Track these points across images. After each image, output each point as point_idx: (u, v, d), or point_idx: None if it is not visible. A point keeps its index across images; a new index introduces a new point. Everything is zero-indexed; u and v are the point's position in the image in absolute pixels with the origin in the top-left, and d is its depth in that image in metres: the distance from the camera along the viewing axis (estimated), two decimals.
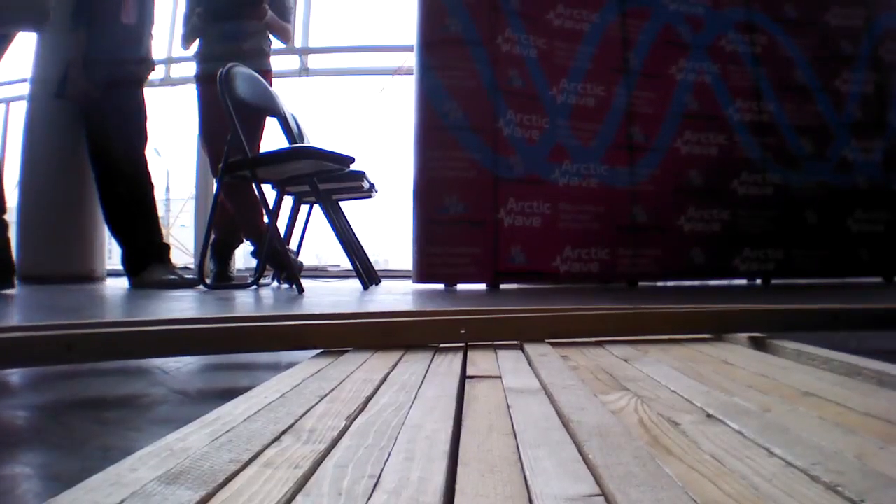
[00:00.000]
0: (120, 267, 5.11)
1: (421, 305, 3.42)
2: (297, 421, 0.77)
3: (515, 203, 5.15)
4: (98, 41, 4.89)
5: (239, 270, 5.92)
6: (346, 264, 6.13)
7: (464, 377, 1.07)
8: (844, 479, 0.57)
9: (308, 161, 4.39)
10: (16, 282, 4.39)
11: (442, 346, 1.40)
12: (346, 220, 5.52)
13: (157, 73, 6.35)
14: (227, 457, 0.63)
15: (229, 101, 4.40)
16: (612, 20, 5.68)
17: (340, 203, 5.61)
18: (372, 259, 6.03)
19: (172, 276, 4.82)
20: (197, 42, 5.30)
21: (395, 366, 1.18)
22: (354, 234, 5.52)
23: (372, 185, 5.66)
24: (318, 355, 1.32)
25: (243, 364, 1.50)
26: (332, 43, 8.21)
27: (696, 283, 5.84)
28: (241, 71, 4.62)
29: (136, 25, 5.11)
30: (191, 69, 5.63)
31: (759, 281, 5.98)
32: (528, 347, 1.36)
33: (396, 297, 4.17)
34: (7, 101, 8.41)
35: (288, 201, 5.39)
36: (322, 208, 4.98)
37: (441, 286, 5.13)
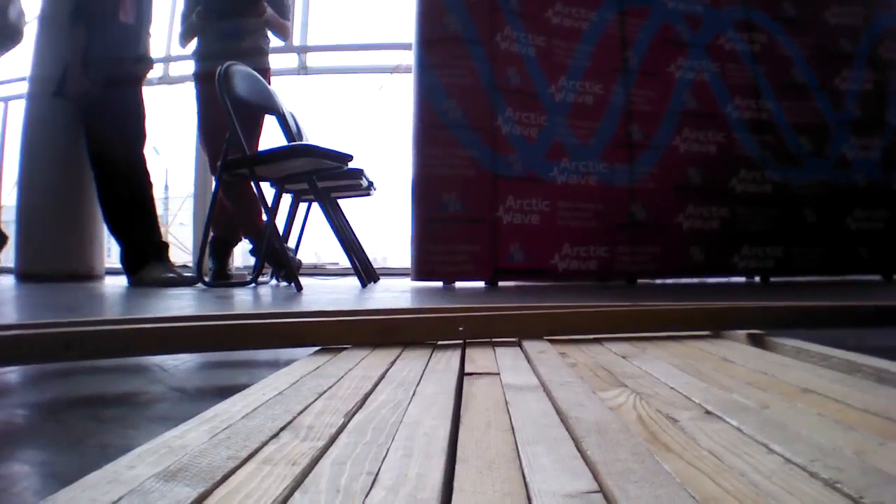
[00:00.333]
0: (119, 265, 5.11)
1: (419, 303, 3.42)
2: (295, 418, 0.77)
3: (514, 201, 5.16)
4: (97, 40, 4.90)
5: (237, 268, 5.93)
6: (344, 262, 6.13)
7: (462, 374, 1.07)
8: (843, 476, 0.57)
9: (306, 159, 4.39)
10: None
11: (440, 343, 1.39)
12: (345, 218, 5.53)
13: (155, 72, 6.35)
14: (225, 454, 0.62)
15: (228, 99, 4.40)
16: (610, 18, 5.70)
17: (339, 201, 5.61)
18: (370, 257, 6.03)
19: (171, 275, 4.82)
20: (195, 40, 5.29)
21: (393, 363, 1.17)
22: (353, 232, 5.53)
23: (370, 183, 5.66)
24: (316, 352, 1.32)
25: (242, 361, 1.49)
26: (331, 41, 8.16)
27: (695, 280, 5.84)
28: (240, 69, 4.62)
29: (134, 24, 5.12)
30: (189, 67, 5.64)
31: (757, 278, 5.99)
32: (527, 344, 1.36)
33: (395, 294, 4.17)
34: (6, 100, 8.41)
35: (286, 199, 5.38)
36: (321, 206, 4.97)
37: (440, 284, 5.13)
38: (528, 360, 1.19)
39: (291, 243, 5.59)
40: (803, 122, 6.06)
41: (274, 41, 5.51)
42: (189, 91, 5.46)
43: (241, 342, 1.38)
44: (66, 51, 4.98)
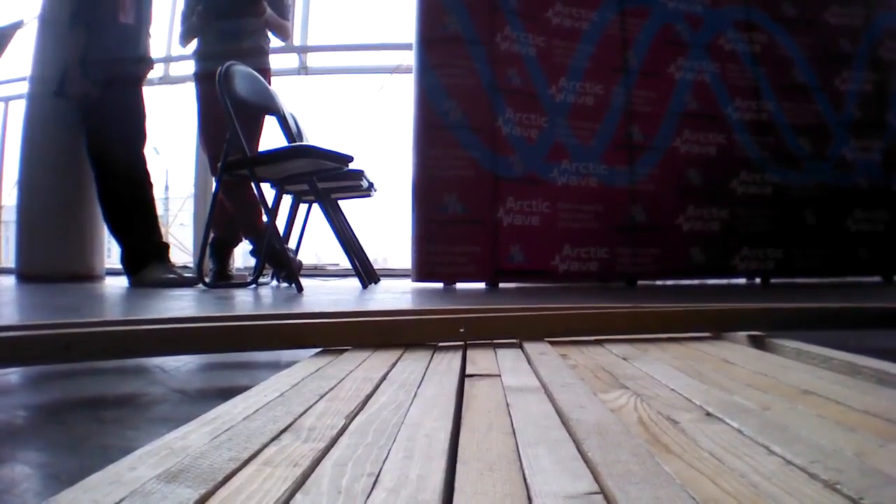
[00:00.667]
0: (119, 266, 5.11)
1: (420, 304, 3.42)
2: (296, 419, 0.77)
3: (514, 202, 5.16)
4: (97, 40, 4.90)
5: (238, 269, 5.93)
6: (345, 263, 6.12)
7: (463, 376, 1.07)
8: (843, 477, 0.57)
9: (307, 160, 4.39)
10: None
11: (441, 344, 1.40)
12: (345, 219, 5.53)
13: (155, 72, 6.35)
14: (226, 455, 0.63)
15: (228, 99, 4.40)
16: (610, 18, 5.70)
17: (339, 202, 5.61)
18: (371, 258, 6.03)
19: (171, 275, 4.82)
20: (195, 40, 5.30)
21: (394, 364, 1.18)
22: (353, 233, 5.53)
23: (371, 184, 5.66)
24: (317, 354, 1.32)
25: (243, 363, 1.50)
26: (331, 41, 8.15)
27: (696, 281, 5.84)
28: (240, 69, 4.62)
29: (134, 25, 5.13)
30: (190, 67, 5.64)
31: (758, 280, 5.99)
32: (528, 346, 1.36)
33: (395, 295, 4.17)
34: (6, 100, 8.42)
35: (287, 200, 5.38)
36: (321, 207, 4.98)
37: (440, 285, 5.13)
38: (529, 362, 1.20)
39: (292, 244, 5.59)
40: (804, 123, 6.06)
41: (274, 41, 5.51)
42: (189, 91, 5.47)
43: (242, 344, 1.38)
44: (66, 51, 4.99)
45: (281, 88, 5.61)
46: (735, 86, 5.97)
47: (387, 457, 0.63)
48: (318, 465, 0.62)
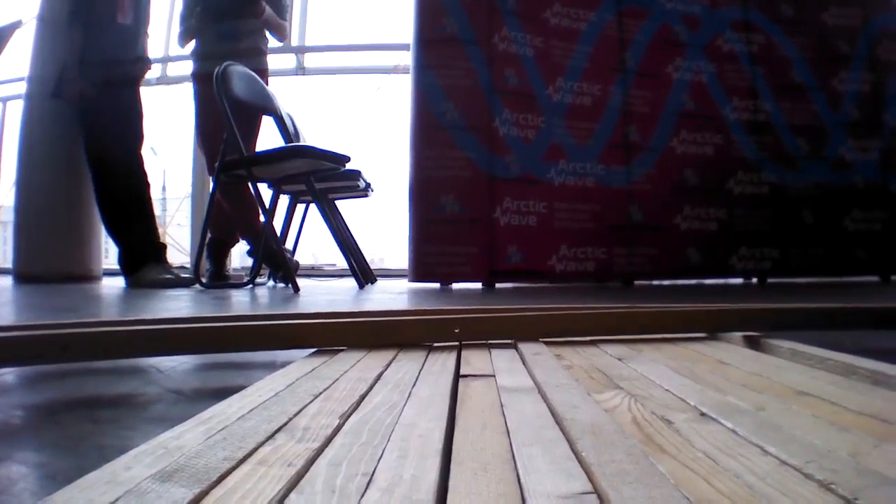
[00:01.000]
0: (116, 266, 5.11)
1: (416, 304, 3.42)
2: (291, 419, 0.77)
3: (511, 202, 5.17)
4: (94, 41, 4.90)
5: (235, 269, 5.93)
6: (342, 263, 6.12)
7: (458, 376, 1.07)
8: (838, 478, 0.57)
9: (304, 160, 4.39)
10: None
11: (436, 345, 1.40)
12: (342, 219, 5.53)
13: (153, 72, 6.35)
14: (221, 455, 0.63)
15: (225, 99, 4.40)
16: (608, 19, 5.71)
17: (336, 202, 5.61)
18: (368, 258, 6.03)
19: (169, 276, 4.82)
20: (194, 41, 5.30)
21: (389, 365, 1.18)
22: (350, 233, 5.53)
23: (368, 185, 5.67)
24: (312, 354, 1.32)
25: (238, 363, 1.50)
26: (329, 41, 8.18)
27: (693, 281, 5.85)
28: (238, 70, 4.62)
29: (132, 25, 5.13)
30: (187, 68, 5.66)
31: (755, 280, 6.00)
32: (522, 346, 1.36)
33: (391, 295, 4.16)
34: (4, 100, 8.42)
35: (284, 200, 5.38)
36: (318, 207, 4.98)
37: (437, 285, 5.12)
38: (524, 362, 1.20)
39: (289, 244, 5.59)
40: (801, 123, 6.07)
41: (271, 41, 5.51)
42: (187, 91, 5.47)
43: (237, 344, 1.38)
44: (64, 51, 4.99)
45: (278, 89, 5.62)
46: (732, 86, 5.99)
47: (381, 456, 0.64)
48: (312, 464, 0.62)
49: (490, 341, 1.43)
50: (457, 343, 1.40)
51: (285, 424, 0.75)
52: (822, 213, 6.01)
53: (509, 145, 5.20)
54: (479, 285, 5.13)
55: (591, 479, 0.58)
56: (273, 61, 5.66)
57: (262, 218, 4.77)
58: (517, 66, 5.33)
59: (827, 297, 3.79)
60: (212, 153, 4.89)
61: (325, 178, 4.95)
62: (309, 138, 5.76)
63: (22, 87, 5.98)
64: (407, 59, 5.67)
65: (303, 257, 6.54)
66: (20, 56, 5.98)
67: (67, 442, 0.90)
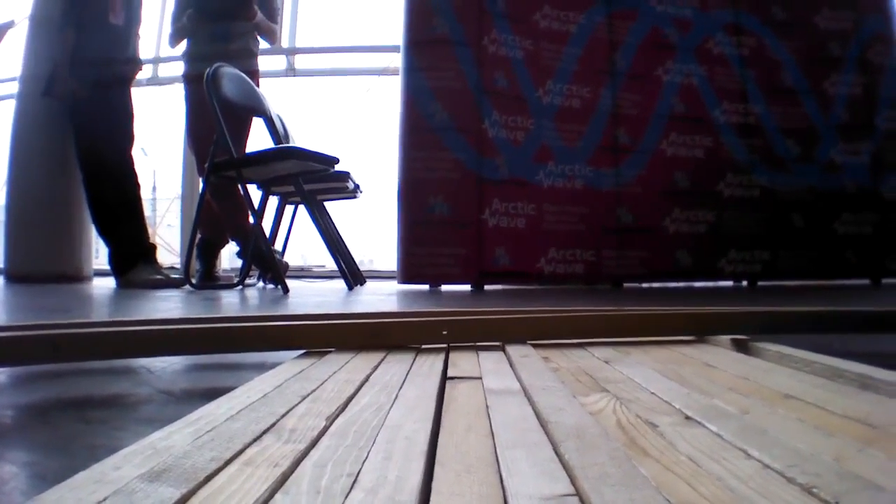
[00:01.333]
0: (106, 266, 5.11)
1: (405, 306, 3.43)
2: (278, 420, 0.77)
3: (500, 204, 5.17)
4: (86, 41, 4.91)
5: (224, 270, 5.93)
6: (331, 265, 6.12)
7: (444, 378, 1.08)
8: (821, 482, 0.58)
9: (293, 161, 4.39)
10: None
11: (424, 347, 1.40)
12: (331, 221, 5.53)
13: (144, 73, 6.36)
14: (208, 455, 0.63)
15: (216, 101, 4.41)
16: (598, 21, 5.71)
17: (325, 203, 5.61)
18: (357, 259, 6.04)
19: (159, 276, 4.83)
20: (185, 41, 5.31)
21: (377, 367, 1.18)
22: (339, 235, 5.53)
23: (357, 186, 5.68)
24: (301, 356, 1.33)
25: (228, 364, 1.50)
26: (319, 43, 8.19)
27: (682, 284, 5.86)
28: (228, 71, 4.63)
29: (123, 25, 5.13)
30: (178, 69, 5.66)
31: (745, 283, 6.00)
32: (510, 349, 1.37)
33: (380, 297, 4.17)
34: None
35: (273, 202, 5.38)
36: (307, 209, 4.98)
37: (426, 287, 5.13)
38: (511, 365, 1.20)
39: (278, 246, 5.59)
40: (792, 126, 6.09)
41: (262, 43, 5.51)
42: (178, 92, 5.49)
43: (227, 345, 1.38)
44: (55, 51, 5.00)
45: (269, 90, 5.62)
46: (723, 89, 5.99)
47: (366, 458, 0.64)
48: (298, 465, 0.62)
49: (478, 344, 1.43)
50: (445, 345, 1.41)
51: (273, 425, 0.75)
52: (812, 216, 6.02)
53: (498, 147, 5.21)
54: (467, 287, 5.13)
55: (573, 482, 0.58)
56: (263, 62, 5.67)
57: (251, 219, 4.78)
58: (507, 68, 5.34)
59: (816, 300, 3.80)
60: (202, 154, 4.90)
61: (314, 179, 4.95)
62: (298, 140, 5.77)
63: (14, 88, 5.97)
64: (396, 61, 5.66)
65: (292, 258, 6.55)
66: (12, 56, 5.98)
67: (58, 442, 0.91)
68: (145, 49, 6.01)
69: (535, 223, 5.31)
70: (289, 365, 1.20)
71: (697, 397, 0.93)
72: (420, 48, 5.23)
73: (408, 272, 5.12)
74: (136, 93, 5.37)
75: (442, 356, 1.29)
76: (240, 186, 4.50)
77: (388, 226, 5.47)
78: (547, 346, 1.42)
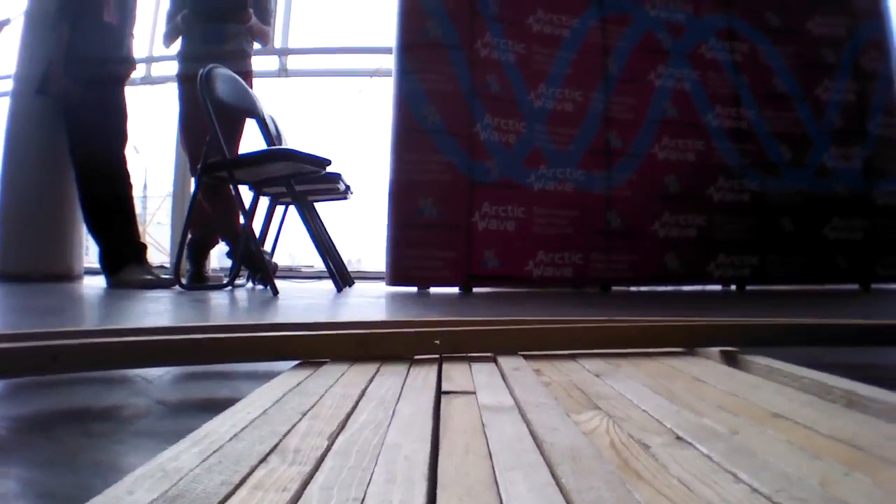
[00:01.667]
0: (97, 265, 5.12)
1: (395, 311, 3.45)
2: (281, 440, 0.79)
3: (490, 207, 5.21)
4: (80, 40, 4.92)
5: (214, 270, 5.93)
6: (320, 265, 6.13)
7: (439, 392, 1.09)
8: None
9: (285, 163, 4.41)
10: None
11: (417, 357, 1.42)
12: (321, 222, 5.55)
13: (138, 72, 6.36)
14: (218, 479, 0.64)
15: (209, 102, 4.42)
16: (591, 26, 5.75)
17: (316, 204, 5.63)
18: (345, 259, 6.05)
19: (149, 276, 4.84)
20: (179, 41, 5.33)
21: (371, 379, 1.19)
22: (329, 236, 5.55)
23: (348, 187, 5.69)
24: (296, 367, 1.34)
25: (222, 373, 1.51)
26: (312, 44, 8.19)
27: (670, 288, 5.88)
28: (222, 72, 4.64)
29: (117, 25, 5.14)
30: (172, 68, 5.69)
31: (734, 287, 6.02)
32: (502, 360, 1.38)
33: (370, 300, 4.17)
34: None
35: (263, 202, 5.38)
36: (297, 209, 4.99)
37: (414, 289, 5.14)
38: (504, 378, 1.21)
39: (268, 246, 5.61)
40: (784, 131, 6.13)
41: (255, 44, 5.53)
42: (171, 91, 5.51)
43: (223, 356, 1.40)
44: (49, 50, 5.01)
45: (261, 90, 5.63)
46: (715, 94, 6.04)
47: (370, 480, 0.65)
48: (305, 488, 0.63)
49: (470, 354, 1.45)
50: (437, 356, 1.42)
51: (277, 445, 0.76)
52: (802, 220, 6.07)
53: (490, 150, 5.24)
54: (455, 290, 5.15)
55: None
56: (256, 63, 5.68)
57: (242, 219, 4.79)
58: (499, 71, 5.37)
59: (805, 308, 3.82)
60: (194, 154, 4.94)
61: (305, 180, 4.96)
62: (291, 140, 5.78)
63: (8, 85, 5.97)
64: (389, 62, 5.68)
65: (281, 258, 6.56)
66: (7, 54, 5.98)
67: (62, 458, 0.92)
68: (139, 48, 6.02)
69: (525, 226, 5.35)
70: (285, 377, 1.21)
71: (688, 416, 0.94)
72: (413, 51, 5.26)
73: (396, 274, 5.14)
74: (129, 92, 5.38)
75: (435, 367, 1.31)
76: (231, 187, 4.51)
77: (376, 225, 5.50)
78: (538, 358, 1.44)
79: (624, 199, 5.65)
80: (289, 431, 0.83)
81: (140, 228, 5.57)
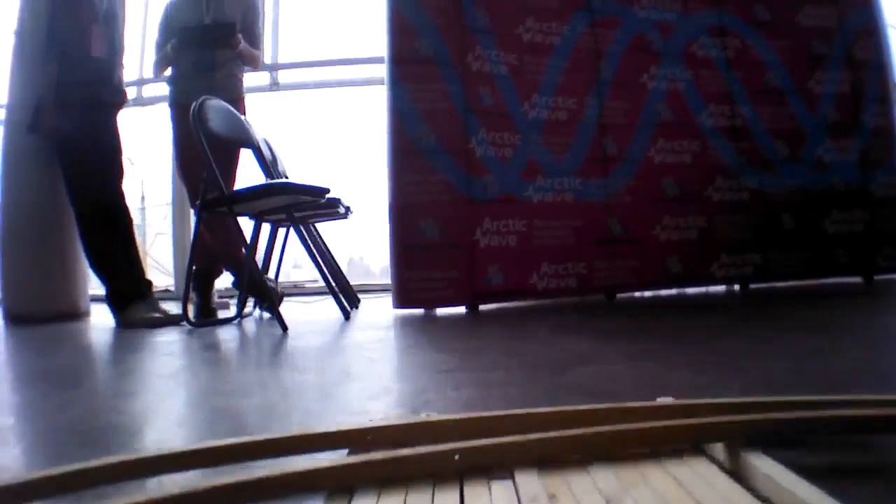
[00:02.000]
0: (102, 291, 5.11)
1: (404, 347, 3.47)
2: None
3: (491, 223, 5.22)
4: (69, 75, 4.91)
5: (219, 292, 5.90)
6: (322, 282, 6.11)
7: None
8: None
9: (283, 196, 4.43)
10: None
11: (438, 479, 1.45)
12: (324, 243, 5.58)
13: (129, 94, 6.37)
14: None
15: (203, 136, 4.41)
16: (582, 31, 5.76)
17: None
18: (350, 257, 6.08)
19: (157, 314, 4.84)
20: (170, 68, 5.35)
21: None
22: (332, 257, 5.58)
23: (347, 208, 5.71)
24: (327, 500, 1.36)
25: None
26: (302, 56, 8.21)
27: (674, 292, 5.92)
28: (214, 104, 4.63)
29: (106, 58, 5.13)
30: (162, 89, 5.70)
31: (737, 287, 6.06)
32: (519, 479, 1.41)
33: (379, 336, 4.12)
34: None
35: (265, 225, 5.40)
36: (299, 236, 5.01)
37: (421, 310, 5.15)
38: None
39: (272, 270, 5.63)
40: (779, 126, 6.17)
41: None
42: (163, 111, 5.50)
43: (256, 497, 1.42)
44: (39, 86, 5.00)
45: (253, 105, 5.65)
46: (708, 92, 6.06)
47: None
48: None
49: (490, 471, 1.48)
50: (457, 474, 1.45)
51: None
52: (802, 216, 6.12)
53: (486, 165, 5.25)
54: (462, 309, 5.16)
55: None
56: (247, 78, 5.67)
57: (244, 248, 4.82)
58: (492, 84, 5.38)
59: (811, 310, 3.83)
60: (191, 185, 5.00)
61: (305, 207, 4.99)
62: (286, 160, 5.81)
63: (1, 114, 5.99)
64: (380, 71, 5.67)
65: (284, 272, 6.57)
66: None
67: None
68: (129, 71, 6.02)
69: (527, 239, 5.37)
70: None
71: None
72: (404, 69, 5.23)
73: (402, 297, 5.14)
74: (122, 114, 5.37)
75: (457, 491, 1.34)
76: (232, 220, 4.52)
77: (378, 220, 5.50)
78: (552, 471, 1.47)
79: (623, 206, 5.68)
80: None
81: (142, 249, 5.58)
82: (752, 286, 6.03)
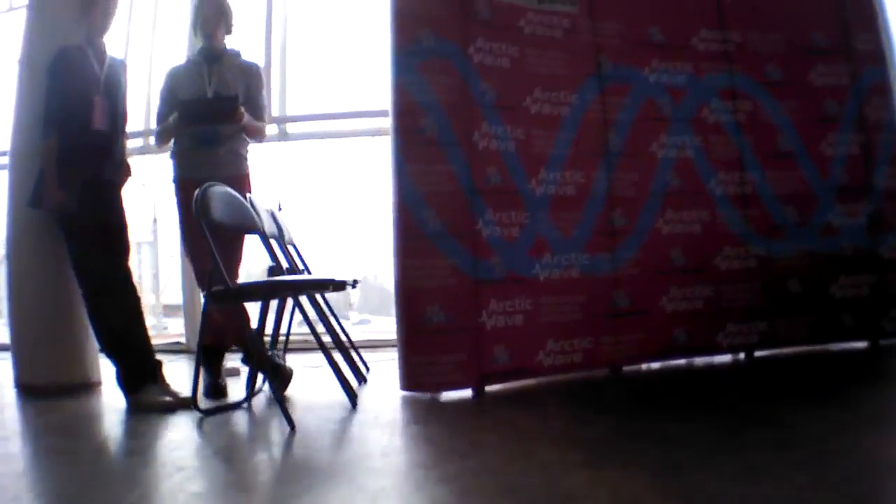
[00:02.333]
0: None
1: (413, 445, 3.47)
2: None
3: (497, 304, 5.19)
4: (70, 150, 4.91)
5: (230, 360, 5.88)
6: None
7: None
8: None
9: (289, 291, 4.44)
10: None
11: None
12: (333, 314, 5.60)
13: (135, 142, 6.38)
14: None
15: (206, 225, 4.39)
16: (591, 99, 5.72)
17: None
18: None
19: (167, 398, 4.82)
20: (172, 142, 5.34)
21: None
22: (341, 327, 5.61)
23: (354, 282, 5.72)
24: None
25: None
26: (310, 110, 8.20)
27: (682, 362, 5.92)
28: (217, 192, 4.57)
29: (107, 130, 5.11)
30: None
31: (742, 355, 6.05)
32: None
33: (387, 424, 4.10)
34: None
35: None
36: (303, 316, 5.06)
37: (427, 395, 5.13)
38: None
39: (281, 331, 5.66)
40: (789, 191, 6.16)
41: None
42: (166, 161, 5.52)
43: None
44: (40, 162, 5.03)
45: (260, 155, 5.66)
46: (718, 159, 6.04)
47: None
48: None
49: None
50: None
51: None
52: (808, 281, 6.10)
53: (493, 246, 5.22)
54: (468, 393, 5.13)
55: None
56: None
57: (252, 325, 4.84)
58: (499, 162, 5.33)
59: (817, 381, 3.78)
60: (197, 267, 5.13)
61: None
62: (294, 212, 5.83)
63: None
64: (387, 123, 5.61)
65: (294, 326, 6.57)
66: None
67: None
68: (134, 122, 6.02)
69: (533, 318, 5.35)
70: None
71: None
72: (410, 151, 5.17)
73: (408, 381, 5.11)
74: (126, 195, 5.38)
75: None
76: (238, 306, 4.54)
77: (386, 239, 5.42)
78: None
79: (630, 278, 5.67)
80: None
81: (153, 269, 5.60)
82: (758, 354, 6.04)
